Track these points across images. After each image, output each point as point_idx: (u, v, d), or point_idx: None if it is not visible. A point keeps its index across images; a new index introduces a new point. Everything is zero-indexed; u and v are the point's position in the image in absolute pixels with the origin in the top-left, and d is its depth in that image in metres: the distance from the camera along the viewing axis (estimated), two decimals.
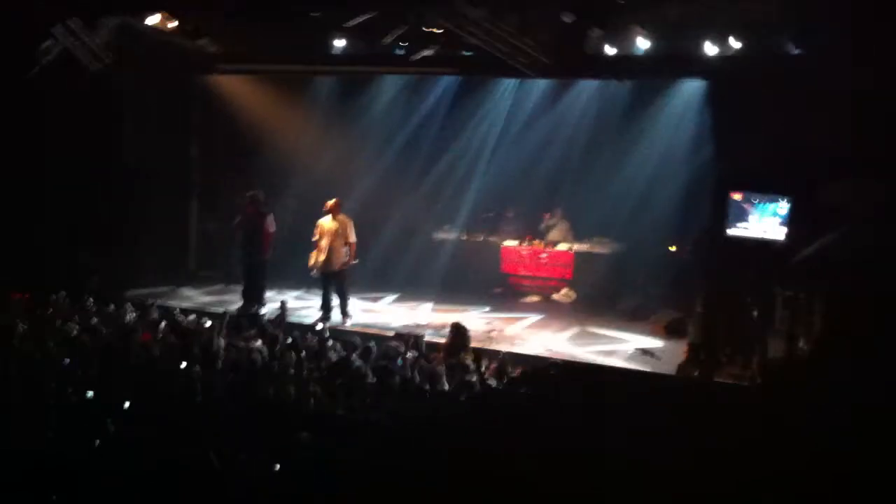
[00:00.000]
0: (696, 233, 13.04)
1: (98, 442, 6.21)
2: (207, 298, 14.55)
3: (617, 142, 15.23)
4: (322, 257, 12.89)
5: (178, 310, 12.04)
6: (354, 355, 9.39)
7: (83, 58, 12.92)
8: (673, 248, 14.12)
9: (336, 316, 12.99)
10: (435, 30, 12.48)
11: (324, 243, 12.87)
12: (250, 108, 16.04)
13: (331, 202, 13.01)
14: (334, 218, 12.94)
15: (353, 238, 13.00)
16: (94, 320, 10.26)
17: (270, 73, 15.61)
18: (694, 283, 12.70)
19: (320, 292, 13.36)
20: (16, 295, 11.28)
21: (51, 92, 13.38)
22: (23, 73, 12.95)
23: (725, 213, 11.73)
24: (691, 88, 13.93)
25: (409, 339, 10.60)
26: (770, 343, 10.88)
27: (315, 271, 13.03)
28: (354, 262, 13.16)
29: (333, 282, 13.05)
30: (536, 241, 15.78)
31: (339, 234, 12.87)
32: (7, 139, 13.63)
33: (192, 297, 14.55)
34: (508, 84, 15.80)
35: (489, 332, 12.67)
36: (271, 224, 13.35)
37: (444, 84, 16.22)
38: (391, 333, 11.25)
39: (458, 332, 10.55)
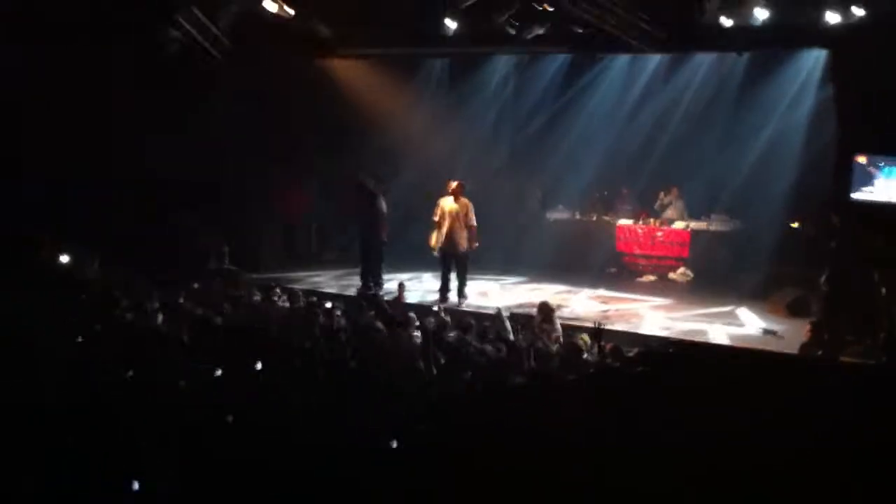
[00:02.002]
0: (819, 204, 12.58)
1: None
2: (327, 280, 14.86)
3: (733, 117, 14.93)
4: (443, 238, 12.97)
5: (300, 291, 12.35)
6: (469, 336, 9.47)
7: (206, 44, 13.37)
8: (796, 225, 13.70)
9: (453, 297, 13.07)
10: (546, 7, 12.42)
11: (445, 225, 12.95)
12: (364, 92, 16.26)
13: (454, 184, 13.05)
14: (456, 200, 12.99)
15: (473, 221, 13.00)
16: (226, 306, 10.61)
17: (383, 56, 15.79)
18: (817, 259, 12.32)
19: (435, 273, 13.52)
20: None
21: (174, 78, 13.85)
22: (148, 58, 13.47)
23: (850, 178, 11.29)
24: (810, 60, 13.55)
25: (523, 319, 10.65)
26: None
27: (436, 252, 13.12)
28: (476, 244, 13.15)
29: (454, 263, 13.14)
30: (652, 220, 15.58)
31: (459, 217, 12.92)
32: (138, 123, 14.13)
33: (312, 280, 14.87)
34: (621, 60, 15.59)
35: (605, 312, 12.60)
36: (382, 205, 13.51)
37: (555, 63, 16.15)
38: (506, 314, 11.30)
39: (543, 311, 10.63)
